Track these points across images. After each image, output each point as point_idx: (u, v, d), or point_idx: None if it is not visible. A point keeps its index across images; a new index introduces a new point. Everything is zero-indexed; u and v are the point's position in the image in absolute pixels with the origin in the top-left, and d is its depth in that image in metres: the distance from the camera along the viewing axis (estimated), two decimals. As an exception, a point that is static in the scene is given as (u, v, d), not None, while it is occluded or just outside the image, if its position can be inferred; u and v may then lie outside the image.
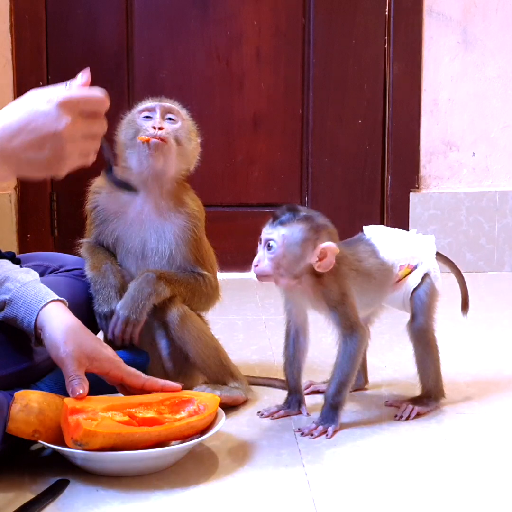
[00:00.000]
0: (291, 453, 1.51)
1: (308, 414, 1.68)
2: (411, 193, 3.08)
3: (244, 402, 1.75)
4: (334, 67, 3.07)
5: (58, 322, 1.46)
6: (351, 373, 1.61)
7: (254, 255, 1.58)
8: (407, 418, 1.67)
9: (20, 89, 2.96)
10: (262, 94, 3.08)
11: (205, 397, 1.51)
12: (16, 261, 1.62)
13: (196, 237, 1.73)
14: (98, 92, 1.26)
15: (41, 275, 1.60)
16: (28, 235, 3.03)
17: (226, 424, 1.50)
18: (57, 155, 1.22)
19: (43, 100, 1.22)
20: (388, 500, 1.33)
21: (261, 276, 1.56)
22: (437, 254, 1.75)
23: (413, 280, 1.70)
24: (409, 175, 3.09)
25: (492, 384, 1.88)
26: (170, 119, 1.72)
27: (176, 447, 1.42)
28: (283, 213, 1.56)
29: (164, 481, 1.39)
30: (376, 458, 1.50)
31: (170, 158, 1.70)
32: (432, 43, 3.04)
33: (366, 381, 1.85)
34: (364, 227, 1.74)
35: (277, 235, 1.54)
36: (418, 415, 1.68)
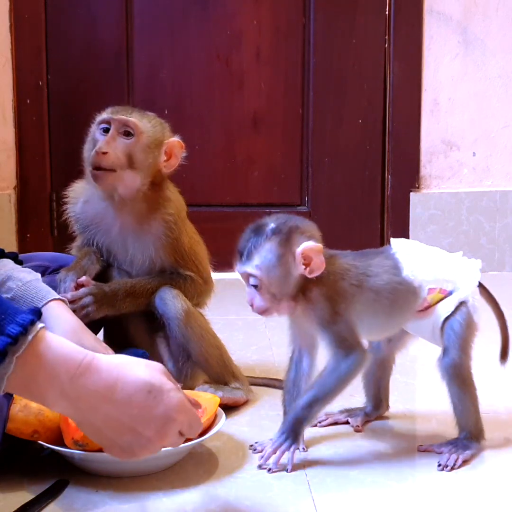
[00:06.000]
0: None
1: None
2: (411, 193, 3.07)
3: (245, 403, 1.75)
4: (334, 67, 3.07)
5: (58, 321, 1.46)
6: (331, 393, 1.43)
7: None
8: (452, 468, 1.43)
9: (20, 89, 2.95)
10: (262, 94, 3.08)
11: (204, 398, 1.51)
12: (18, 262, 1.61)
13: (172, 240, 1.70)
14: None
15: (41, 275, 1.60)
16: (28, 235, 3.02)
17: (226, 425, 1.50)
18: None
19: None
20: (388, 500, 1.33)
21: (262, 313, 1.43)
22: (480, 286, 1.54)
23: (444, 308, 1.49)
24: (409, 175, 3.08)
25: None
26: (126, 133, 1.64)
27: (175, 448, 1.41)
28: (245, 242, 1.41)
29: (164, 481, 1.39)
30: (376, 458, 1.50)
31: (119, 182, 1.65)
32: (433, 43, 3.04)
33: (386, 407, 1.66)
34: (391, 239, 1.54)
35: (251, 268, 1.39)
36: (464, 462, 1.45)
